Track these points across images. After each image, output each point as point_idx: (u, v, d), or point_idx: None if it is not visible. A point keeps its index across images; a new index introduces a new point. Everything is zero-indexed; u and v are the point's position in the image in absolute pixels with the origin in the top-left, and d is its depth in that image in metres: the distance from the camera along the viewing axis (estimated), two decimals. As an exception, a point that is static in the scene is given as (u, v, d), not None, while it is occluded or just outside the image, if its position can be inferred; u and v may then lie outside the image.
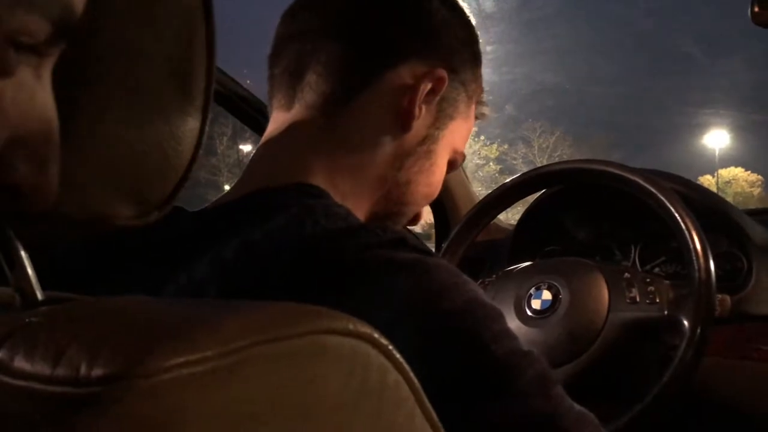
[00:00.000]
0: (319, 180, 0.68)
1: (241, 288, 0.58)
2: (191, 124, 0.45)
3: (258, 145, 0.75)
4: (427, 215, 1.99)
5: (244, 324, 0.37)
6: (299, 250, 0.58)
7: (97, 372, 0.33)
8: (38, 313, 0.40)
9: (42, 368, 0.34)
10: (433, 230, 1.96)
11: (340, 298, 0.55)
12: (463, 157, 0.82)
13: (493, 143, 35.75)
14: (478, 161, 32.23)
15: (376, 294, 0.56)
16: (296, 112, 0.71)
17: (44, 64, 0.35)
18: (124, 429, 0.33)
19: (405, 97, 0.71)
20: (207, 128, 0.46)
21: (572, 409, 0.59)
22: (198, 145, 0.45)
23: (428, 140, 0.75)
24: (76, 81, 0.40)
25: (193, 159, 0.45)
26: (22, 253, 0.42)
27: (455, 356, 0.55)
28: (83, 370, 0.33)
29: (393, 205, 0.76)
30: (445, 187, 1.88)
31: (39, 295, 0.42)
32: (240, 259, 0.58)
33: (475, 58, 0.78)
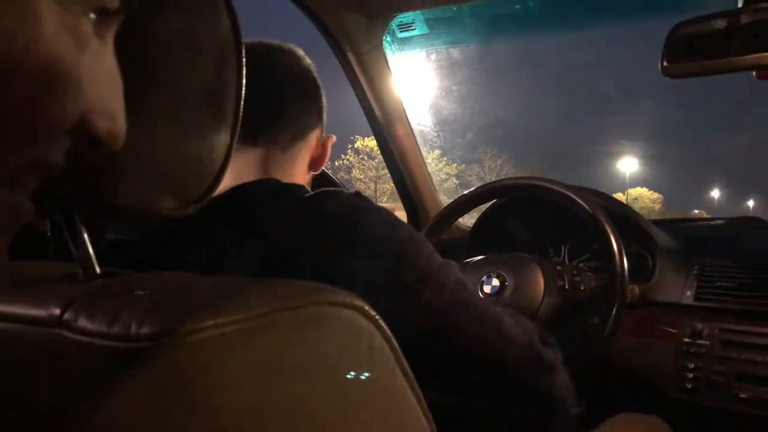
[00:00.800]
0: None
1: (259, 244, 0.68)
2: (223, 138, 0.45)
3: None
4: (403, 218, 1.99)
5: (264, 296, 0.36)
6: (294, 209, 0.70)
7: (145, 330, 0.32)
8: (97, 283, 0.40)
9: (100, 327, 0.34)
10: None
11: (328, 233, 0.67)
12: None
13: (454, 163, 35.95)
14: (442, 176, 32.32)
15: (352, 230, 0.67)
16: (261, 147, 0.82)
17: (109, 31, 0.35)
18: (167, 377, 0.32)
19: (318, 149, 0.90)
20: (236, 141, 0.45)
21: (482, 299, 0.75)
22: (228, 154, 0.45)
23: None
24: (132, 103, 0.40)
25: (224, 165, 0.45)
26: (86, 236, 0.42)
27: (409, 268, 0.67)
28: (134, 328, 0.33)
29: None
30: (418, 196, 1.89)
31: (97, 270, 0.42)
32: (236, 239, 0.68)
33: None
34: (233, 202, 0.73)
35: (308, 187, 0.88)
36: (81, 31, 0.32)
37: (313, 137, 0.88)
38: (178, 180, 0.43)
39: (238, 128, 0.46)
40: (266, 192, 0.75)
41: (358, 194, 0.74)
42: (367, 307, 0.42)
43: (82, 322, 0.34)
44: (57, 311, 0.35)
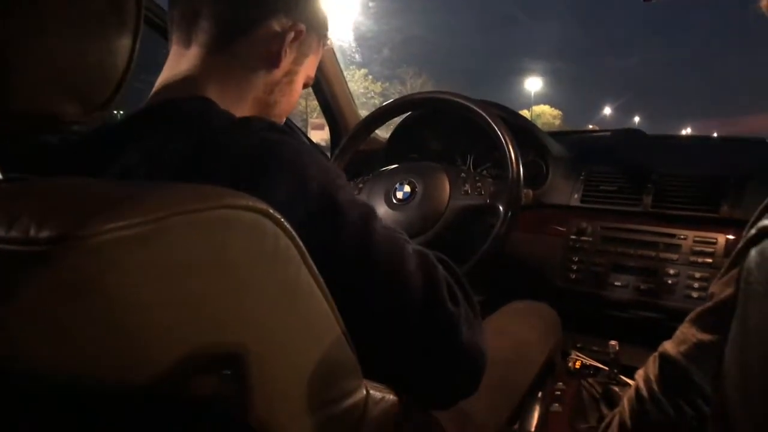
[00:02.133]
0: (211, 95, 0.66)
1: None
2: (125, 42, 0.41)
3: (162, 72, 0.70)
4: (325, 134, 1.95)
5: (164, 199, 0.34)
6: (200, 142, 0.56)
7: (44, 234, 0.30)
8: None
9: None
10: (330, 143, 1.94)
11: (236, 169, 0.54)
12: (312, 80, 0.82)
13: (378, 81, 35.34)
14: (364, 92, 31.81)
15: (259, 164, 0.55)
16: (193, 49, 0.68)
17: None
18: (66, 279, 0.30)
19: (274, 43, 0.71)
20: (138, 46, 0.42)
21: (390, 238, 0.61)
22: (131, 58, 0.41)
23: (290, 74, 0.75)
24: (27, 5, 0.36)
25: (127, 69, 0.41)
26: None
27: (314, 199, 0.55)
28: (32, 232, 0.30)
29: (266, 114, 0.75)
30: (339, 110, 1.85)
31: None
32: (144, 163, 0.56)
33: (320, 10, 0.77)
34: (150, 118, 0.62)
35: (273, 88, 0.73)
36: None
37: (264, 31, 0.69)
38: (79, 85, 0.39)
39: (140, 32, 0.42)
40: (181, 114, 0.61)
41: (271, 126, 0.60)
42: (271, 210, 0.40)
43: None
44: None
